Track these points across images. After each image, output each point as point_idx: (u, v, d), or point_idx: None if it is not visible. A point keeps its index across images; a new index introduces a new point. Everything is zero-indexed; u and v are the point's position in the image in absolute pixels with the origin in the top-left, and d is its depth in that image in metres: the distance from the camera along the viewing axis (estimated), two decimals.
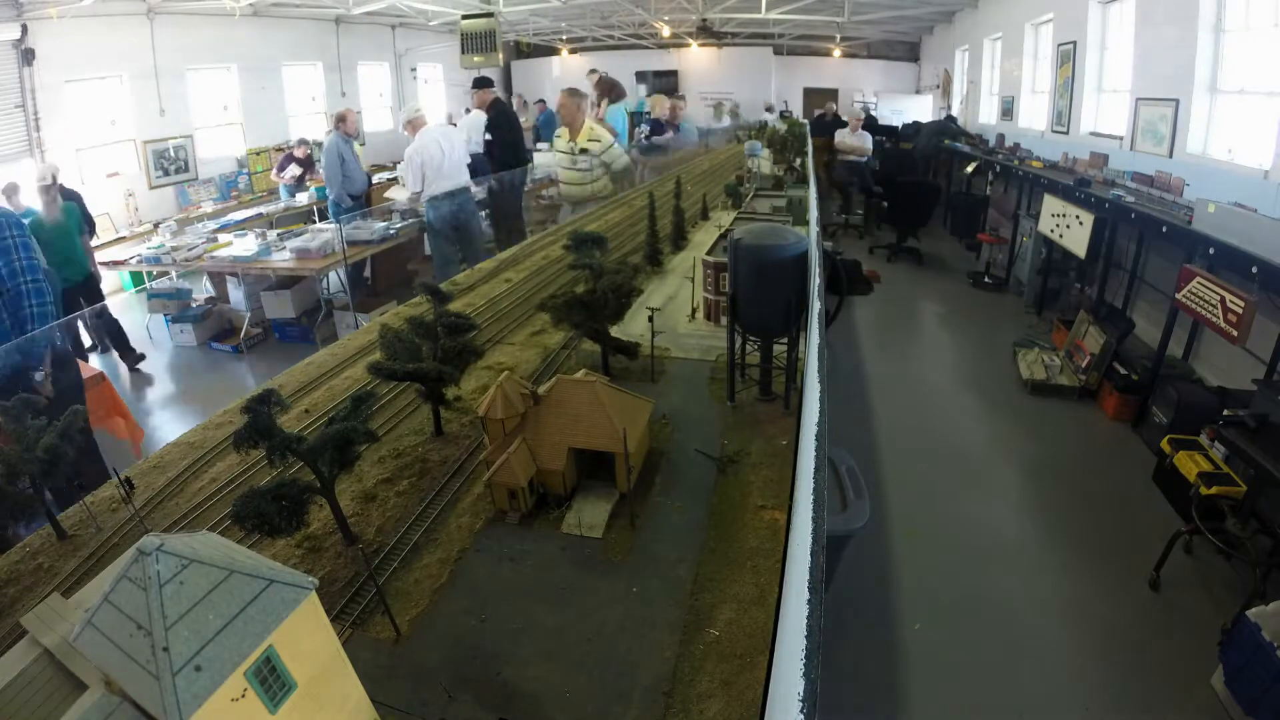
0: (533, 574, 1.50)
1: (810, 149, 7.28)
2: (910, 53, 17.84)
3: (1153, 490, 4.52)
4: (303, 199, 10.27)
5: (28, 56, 8.50)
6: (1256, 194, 4.65)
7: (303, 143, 10.95)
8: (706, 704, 1.16)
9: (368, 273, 8.26)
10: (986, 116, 11.73)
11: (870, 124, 13.63)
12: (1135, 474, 4.76)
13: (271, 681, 0.84)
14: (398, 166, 9.70)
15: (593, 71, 11.68)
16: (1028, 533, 4.30)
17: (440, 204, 6.96)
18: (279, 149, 11.47)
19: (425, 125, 6.88)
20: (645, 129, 11.16)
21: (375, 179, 11.06)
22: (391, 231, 7.31)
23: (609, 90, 10.13)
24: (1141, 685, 3.16)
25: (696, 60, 19.26)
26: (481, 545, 1.60)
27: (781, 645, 1.00)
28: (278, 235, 7.60)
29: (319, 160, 10.57)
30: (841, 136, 12.15)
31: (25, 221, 4.83)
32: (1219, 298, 4.25)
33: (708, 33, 15.97)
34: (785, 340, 2.14)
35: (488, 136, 8.01)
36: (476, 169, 9.67)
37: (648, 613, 1.37)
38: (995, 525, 4.37)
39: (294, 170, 10.62)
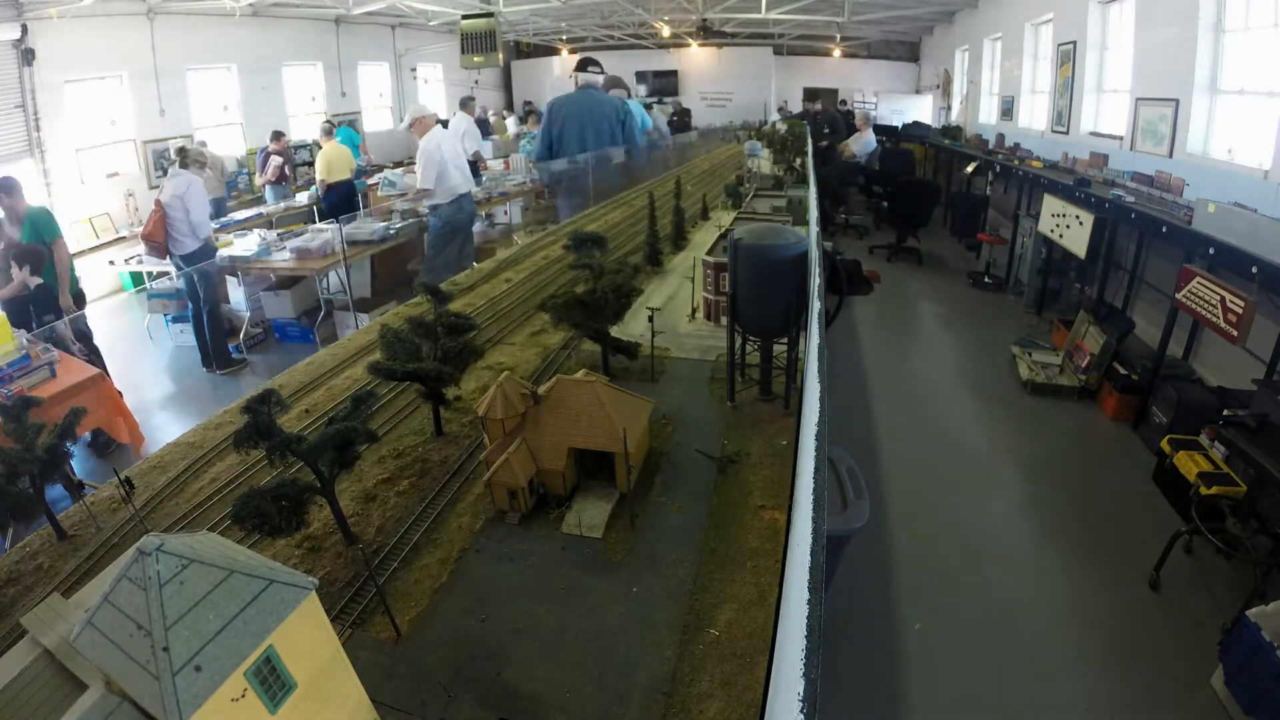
0: (533, 574, 1.50)
1: (810, 149, 7.28)
2: (910, 53, 17.85)
3: (1153, 490, 4.52)
4: (303, 199, 10.27)
5: (28, 56, 8.50)
6: (1256, 194, 4.65)
7: (278, 135, 10.89)
8: (706, 704, 1.16)
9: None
10: (986, 116, 11.73)
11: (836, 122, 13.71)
12: (1135, 474, 4.76)
13: (271, 681, 0.84)
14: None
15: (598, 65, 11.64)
16: (1028, 533, 4.30)
17: (464, 205, 6.91)
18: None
19: (433, 127, 6.75)
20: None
21: (376, 178, 11.07)
22: (391, 232, 7.30)
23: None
24: (1141, 685, 3.16)
25: (696, 60, 19.28)
26: (481, 545, 1.60)
27: (781, 645, 1.00)
28: (278, 235, 7.60)
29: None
30: (848, 142, 12.25)
31: None
32: (1219, 298, 4.25)
33: (708, 33, 15.97)
34: (785, 340, 2.14)
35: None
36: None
37: (648, 613, 1.37)
38: (995, 525, 4.37)
39: (275, 162, 10.56)
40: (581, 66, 7.07)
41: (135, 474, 1.94)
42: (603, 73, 7.37)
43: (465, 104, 11.12)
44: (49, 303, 5.46)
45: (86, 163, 9.58)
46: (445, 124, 9.23)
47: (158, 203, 6.42)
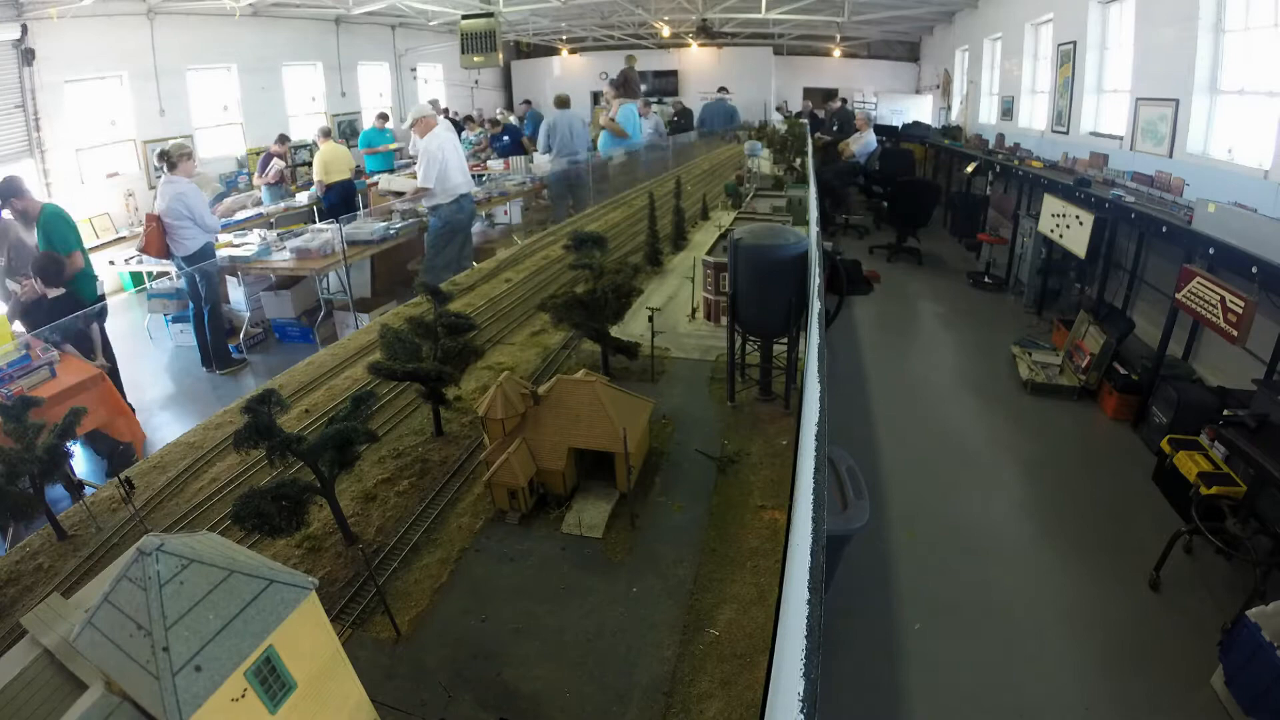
0: (533, 574, 1.50)
1: (810, 149, 7.28)
2: (910, 53, 17.84)
3: (1153, 490, 4.52)
4: (303, 199, 10.26)
5: (28, 56, 8.49)
6: (1256, 194, 4.64)
7: (283, 139, 10.87)
8: (706, 704, 1.16)
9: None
10: (986, 116, 11.73)
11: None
12: (1135, 474, 4.75)
13: (271, 681, 0.84)
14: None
15: (630, 57, 11.76)
16: (1027, 533, 4.29)
17: (464, 205, 6.98)
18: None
19: (435, 125, 6.71)
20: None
21: (374, 178, 11.05)
22: (391, 232, 7.30)
23: (625, 85, 10.13)
24: (1141, 685, 3.16)
25: (696, 60, 19.26)
26: (481, 545, 1.60)
27: (781, 645, 1.00)
28: (278, 235, 7.60)
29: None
30: (848, 142, 12.27)
31: None
32: (1219, 298, 4.25)
33: (708, 33, 15.96)
34: (785, 340, 2.14)
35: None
36: None
37: (648, 613, 1.37)
38: (995, 525, 4.37)
39: (277, 165, 10.54)
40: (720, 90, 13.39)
41: (135, 474, 1.94)
42: (727, 92, 13.88)
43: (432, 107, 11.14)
44: (71, 313, 5.03)
45: (86, 163, 9.57)
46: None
47: (150, 216, 6.31)
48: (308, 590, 0.89)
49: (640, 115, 10.85)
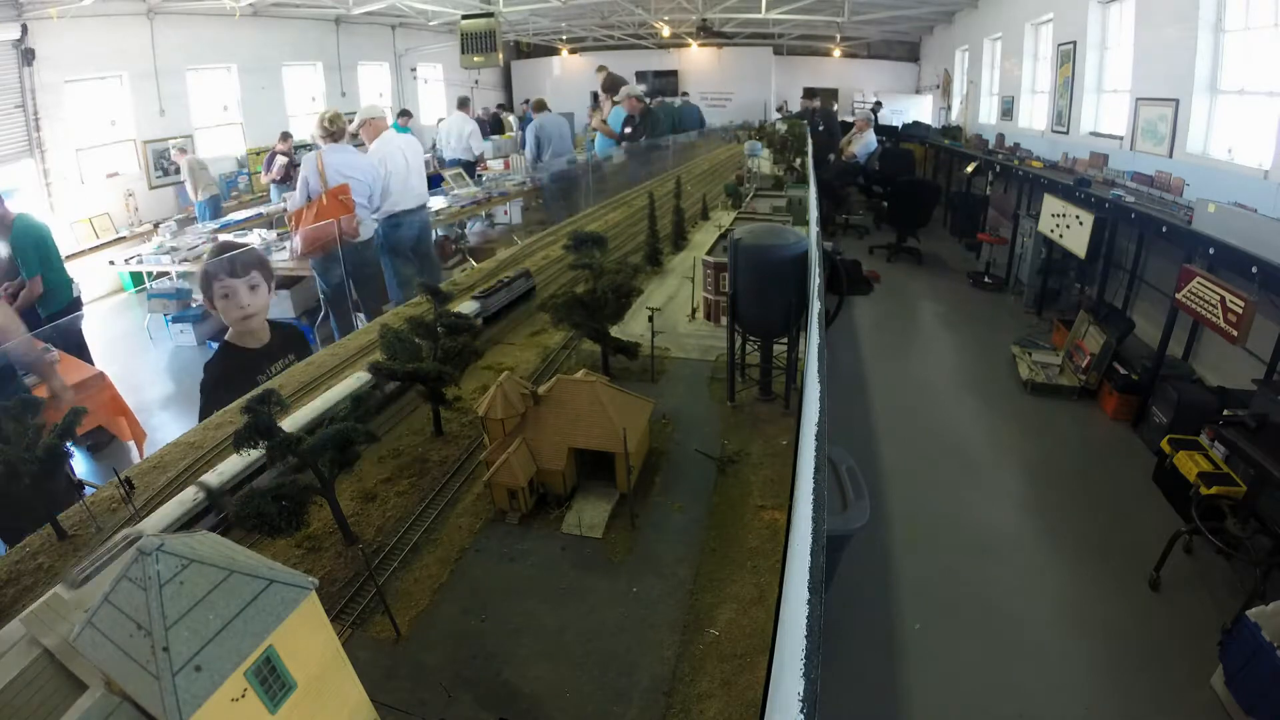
0: (533, 574, 1.50)
1: (810, 149, 7.28)
2: (910, 53, 17.84)
3: (1153, 490, 4.52)
4: None
5: (28, 56, 8.49)
6: (1256, 194, 4.65)
7: (286, 136, 10.86)
8: (706, 704, 1.16)
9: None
10: (986, 116, 11.73)
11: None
12: (1135, 474, 4.76)
13: (271, 681, 0.84)
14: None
15: (601, 68, 11.58)
16: (1028, 533, 4.30)
17: (402, 221, 6.40)
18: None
19: (385, 130, 6.25)
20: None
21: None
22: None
23: (613, 88, 10.08)
24: (1141, 685, 3.16)
25: (696, 60, 19.27)
26: (481, 545, 1.60)
27: (781, 645, 1.00)
28: (277, 235, 7.59)
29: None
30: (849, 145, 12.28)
31: None
32: (1219, 298, 4.25)
33: (708, 33, 15.97)
34: (785, 340, 2.14)
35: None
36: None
37: (648, 613, 1.37)
38: (995, 525, 4.37)
39: (281, 161, 10.53)
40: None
41: (135, 474, 1.94)
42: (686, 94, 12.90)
43: (464, 104, 11.14)
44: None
45: (86, 163, 9.58)
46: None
47: (327, 194, 5.25)
48: (308, 590, 0.89)
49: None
